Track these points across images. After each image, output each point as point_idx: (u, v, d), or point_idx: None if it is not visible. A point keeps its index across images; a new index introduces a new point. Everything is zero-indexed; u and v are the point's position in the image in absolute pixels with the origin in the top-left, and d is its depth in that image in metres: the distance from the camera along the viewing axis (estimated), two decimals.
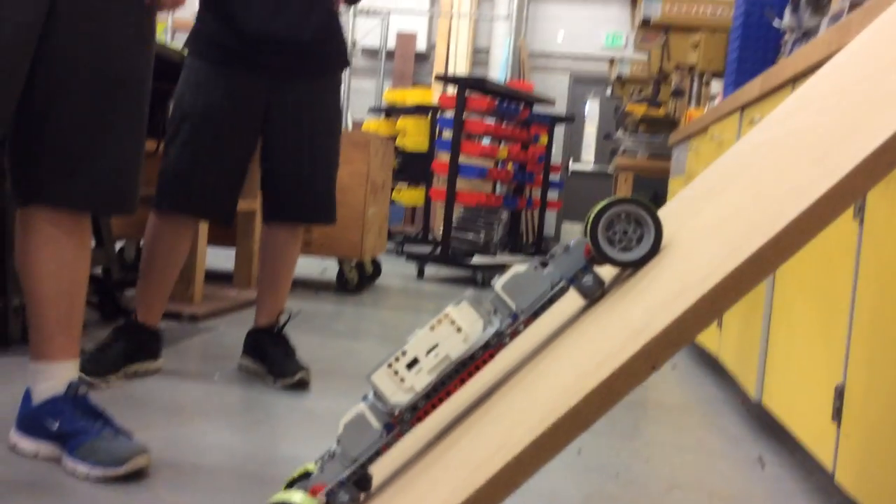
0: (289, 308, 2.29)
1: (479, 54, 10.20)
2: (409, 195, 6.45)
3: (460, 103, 4.69)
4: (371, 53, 10.06)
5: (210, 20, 2.04)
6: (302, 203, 2.14)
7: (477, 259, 4.96)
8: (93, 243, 2.64)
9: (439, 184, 5.99)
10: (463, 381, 0.92)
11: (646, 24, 4.64)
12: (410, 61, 10.10)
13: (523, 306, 0.91)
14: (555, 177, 6.43)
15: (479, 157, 4.98)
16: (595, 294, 0.92)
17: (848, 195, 0.61)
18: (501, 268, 4.99)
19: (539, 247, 6.16)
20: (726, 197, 0.89)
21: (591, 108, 10.36)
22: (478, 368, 0.92)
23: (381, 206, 4.26)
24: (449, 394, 0.92)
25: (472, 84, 4.93)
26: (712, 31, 4.20)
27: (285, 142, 2.09)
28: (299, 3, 2.03)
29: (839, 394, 1.38)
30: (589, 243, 0.89)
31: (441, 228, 5.03)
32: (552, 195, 6.17)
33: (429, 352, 0.90)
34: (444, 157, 5.12)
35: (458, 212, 5.65)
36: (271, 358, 2.16)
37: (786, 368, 1.76)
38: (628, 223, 0.88)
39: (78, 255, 1.47)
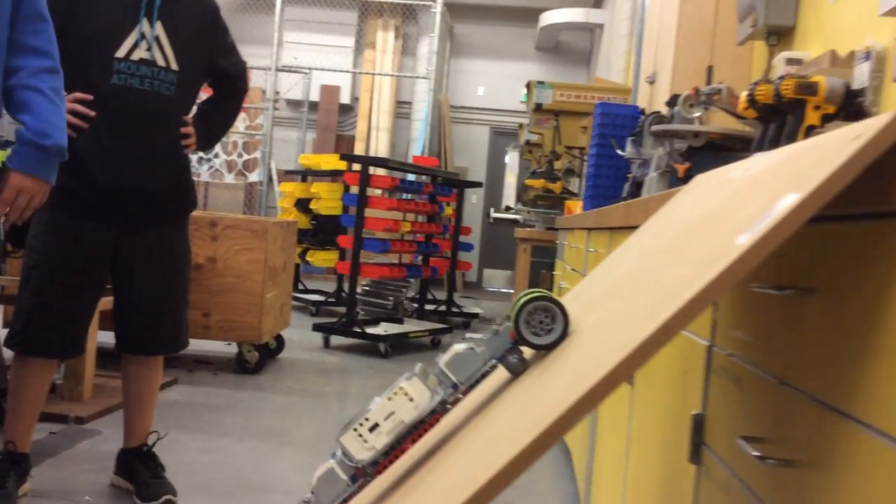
0: (167, 419, 2.39)
1: (402, 107, 10.45)
2: (324, 257, 6.59)
3: (363, 181, 4.88)
4: (295, 104, 10.20)
5: (62, 170, 2.10)
6: (150, 338, 2.28)
7: (382, 329, 5.12)
8: None
9: (348, 256, 6.14)
10: (414, 441, 1.14)
11: (538, 108, 4.91)
12: (334, 113, 10.28)
13: (462, 379, 1.14)
14: (466, 238, 6.65)
15: (383, 231, 5.16)
16: (519, 370, 1.13)
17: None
18: (405, 336, 5.16)
19: (449, 309, 6.35)
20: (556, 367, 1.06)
21: (512, 159, 10.67)
22: (426, 430, 1.14)
23: (282, 288, 4.39)
24: (403, 451, 1.14)
25: (376, 163, 5.12)
26: None
27: (133, 282, 2.22)
28: (151, 159, 2.17)
29: None
30: (513, 329, 1.11)
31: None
32: (465, 256, 6.36)
33: (386, 417, 1.12)
34: (350, 232, 5.28)
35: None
36: (139, 479, 2.27)
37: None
38: (543, 314, 1.10)
39: None
